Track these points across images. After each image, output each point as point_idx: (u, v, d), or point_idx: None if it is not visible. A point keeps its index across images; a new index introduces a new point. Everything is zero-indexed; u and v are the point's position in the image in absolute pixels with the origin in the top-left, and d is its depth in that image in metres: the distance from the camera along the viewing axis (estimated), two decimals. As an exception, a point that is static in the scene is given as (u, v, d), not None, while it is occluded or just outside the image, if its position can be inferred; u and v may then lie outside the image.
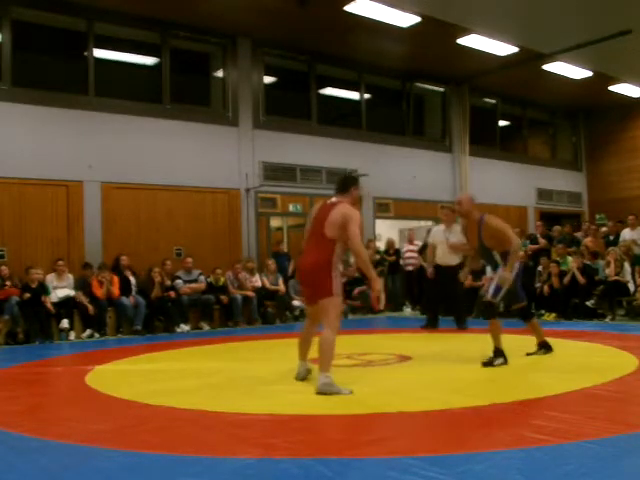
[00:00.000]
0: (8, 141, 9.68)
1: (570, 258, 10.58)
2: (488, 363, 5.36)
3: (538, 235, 12.49)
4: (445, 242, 8.68)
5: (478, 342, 7.45)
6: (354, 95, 13.98)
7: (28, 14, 10.22)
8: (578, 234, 12.99)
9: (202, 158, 11.44)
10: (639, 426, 3.49)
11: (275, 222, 13.78)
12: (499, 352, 5.42)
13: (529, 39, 12.36)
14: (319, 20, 11.13)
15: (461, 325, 9.05)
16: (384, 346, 7.23)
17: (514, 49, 12.50)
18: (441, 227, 9.25)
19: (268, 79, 12.74)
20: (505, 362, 5.40)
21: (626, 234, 11.29)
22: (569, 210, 17.65)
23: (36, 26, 10.64)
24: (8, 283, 8.91)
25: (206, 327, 10.26)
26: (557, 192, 17.36)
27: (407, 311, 12.39)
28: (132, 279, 9.97)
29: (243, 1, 10.36)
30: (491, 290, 5.41)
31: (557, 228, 12.86)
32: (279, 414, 3.91)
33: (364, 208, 13.51)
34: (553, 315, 10.09)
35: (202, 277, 10.55)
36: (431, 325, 9.15)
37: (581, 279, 9.90)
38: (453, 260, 8.85)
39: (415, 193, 14.21)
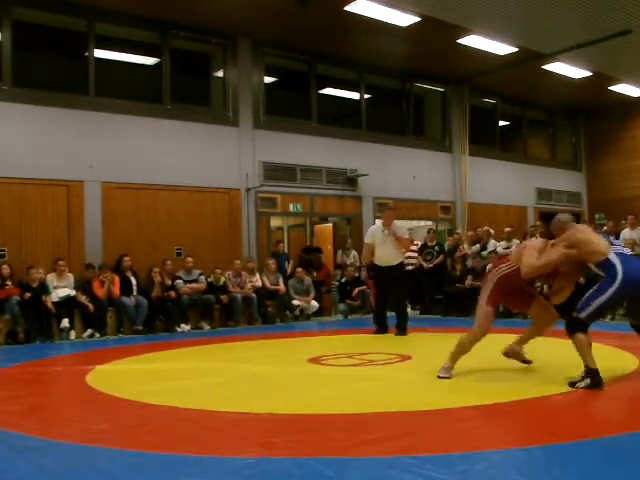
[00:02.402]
0: (8, 141, 9.68)
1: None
2: (572, 383, 4.47)
3: (538, 235, 12.49)
4: (385, 242, 8.30)
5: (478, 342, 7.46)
6: (354, 95, 13.98)
7: (28, 14, 10.22)
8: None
9: (202, 158, 11.44)
10: (639, 426, 3.50)
11: (275, 222, 13.80)
12: (588, 371, 4.41)
13: (529, 39, 12.36)
14: (319, 20, 11.13)
15: (401, 331, 8.28)
16: (384, 346, 7.23)
17: (514, 49, 12.51)
18: (379, 226, 8.65)
19: (268, 79, 12.73)
20: (594, 385, 4.35)
21: (626, 234, 11.30)
22: (569, 210, 17.65)
23: (36, 26, 10.63)
24: (9, 283, 8.92)
25: (206, 327, 10.27)
26: (557, 192, 17.37)
27: (407, 311, 12.36)
28: (133, 279, 9.99)
29: (243, 1, 10.36)
30: (579, 304, 4.62)
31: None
32: (279, 414, 3.91)
33: (364, 208, 13.54)
34: (553, 315, 10.09)
35: (202, 277, 10.56)
36: (380, 330, 8.45)
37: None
38: (394, 260, 8.37)
39: (415, 193, 14.22)
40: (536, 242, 5.10)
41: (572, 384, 4.45)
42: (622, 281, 4.41)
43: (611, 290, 4.45)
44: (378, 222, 9.32)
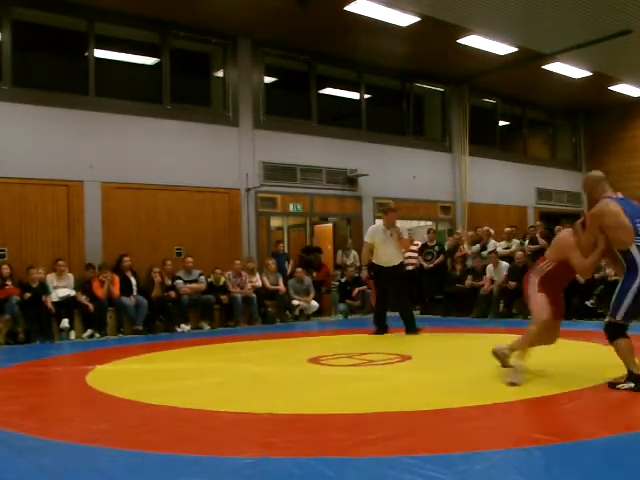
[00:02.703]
0: (8, 141, 9.68)
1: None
2: (612, 384, 4.40)
3: (537, 235, 12.49)
4: (386, 242, 8.27)
5: (479, 341, 7.47)
6: (354, 95, 13.98)
7: (28, 14, 10.22)
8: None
9: (202, 158, 11.44)
10: (639, 426, 3.50)
11: (275, 222, 13.80)
12: (632, 376, 4.32)
13: (529, 39, 12.37)
14: (319, 20, 11.13)
15: (412, 331, 8.32)
16: (384, 346, 7.23)
17: (514, 49, 12.51)
18: (380, 226, 8.63)
19: (268, 79, 12.73)
20: (637, 390, 4.24)
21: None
22: (569, 210, 17.65)
23: (36, 26, 10.64)
24: (9, 283, 8.92)
25: (206, 327, 10.27)
26: (557, 192, 17.38)
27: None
28: (133, 279, 9.99)
29: (243, 1, 10.37)
30: (611, 307, 4.48)
31: (559, 228, 12.88)
32: (279, 414, 3.91)
33: (364, 208, 13.54)
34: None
35: (202, 277, 10.56)
36: (380, 331, 8.43)
37: (581, 279, 9.90)
38: (395, 260, 8.36)
39: (415, 193, 14.22)
40: (568, 237, 4.89)
41: (612, 385, 4.37)
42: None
43: (634, 287, 4.33)
44: (378, 222, 9.30)
